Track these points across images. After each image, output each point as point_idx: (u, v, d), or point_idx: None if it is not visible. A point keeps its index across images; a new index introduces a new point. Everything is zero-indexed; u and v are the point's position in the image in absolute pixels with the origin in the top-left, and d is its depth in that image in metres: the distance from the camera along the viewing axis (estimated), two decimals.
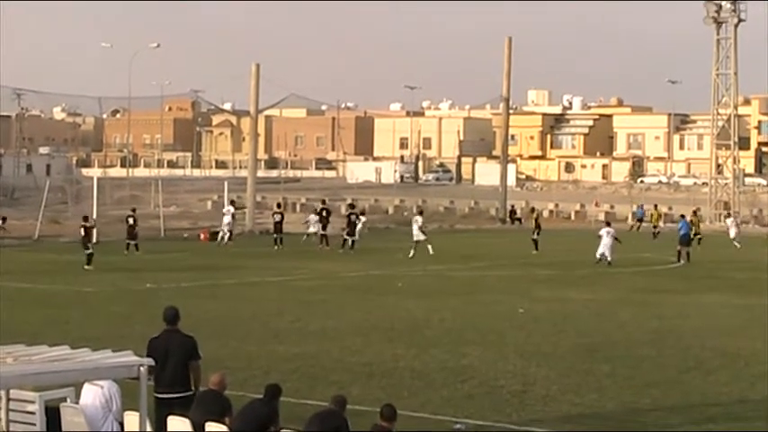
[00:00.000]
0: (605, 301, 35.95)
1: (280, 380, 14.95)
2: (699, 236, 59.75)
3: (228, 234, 59.13)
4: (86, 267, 43.50)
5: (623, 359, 24.87)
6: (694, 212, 66.90)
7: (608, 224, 52.55)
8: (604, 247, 49.28)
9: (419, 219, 53.45)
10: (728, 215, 74.68)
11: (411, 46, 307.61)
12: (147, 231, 59.37)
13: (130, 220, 52.60)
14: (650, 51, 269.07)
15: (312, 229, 59.81)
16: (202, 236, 61.94)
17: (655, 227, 65.40)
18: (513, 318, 31.64)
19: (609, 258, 48.98)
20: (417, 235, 52.17)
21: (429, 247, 51.66)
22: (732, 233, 63.30)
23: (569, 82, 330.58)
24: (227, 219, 59.71)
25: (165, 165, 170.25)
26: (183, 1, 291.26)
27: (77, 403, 15.18)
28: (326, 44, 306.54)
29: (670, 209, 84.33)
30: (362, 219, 60.73)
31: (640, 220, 77.88)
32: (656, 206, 71.75)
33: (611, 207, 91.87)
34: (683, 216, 58.20)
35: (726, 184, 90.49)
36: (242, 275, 42.54)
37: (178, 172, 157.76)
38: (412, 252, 51.20)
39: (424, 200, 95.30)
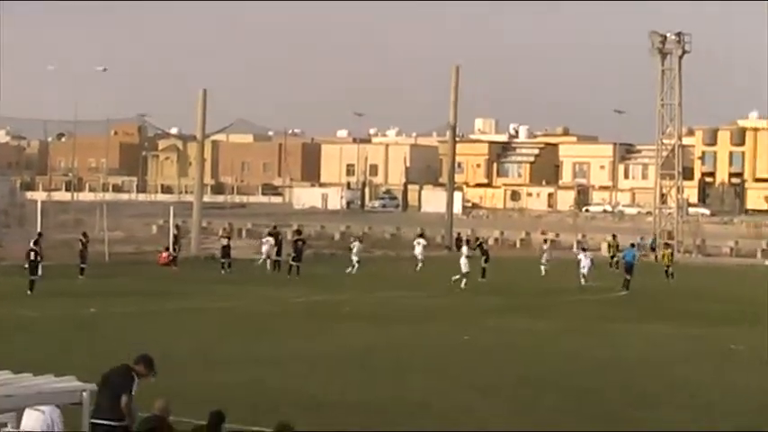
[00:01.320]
0: (550, 330, 36.00)
1: (222, 407, 14.80)
2: (669, 268, 59.42)
3: (268, 260, 58.76)
4: (29, 293, 43.05)
5: (568, 391, 24.88)
6: (666, 244, 66.57)
7: (584, 249, 56.97)
8: (585, 269, 52.54)
9: (465, 250, 53.64)
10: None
11: (358, 73, 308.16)
12: (92, 256, 58.76)
13: (80, 245, 52.51)
14: (596, 81, 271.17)
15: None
16: (164, 255, 60.82)
17: (612, 256, 65.35)
18: (458, 346, 31.60)
19: (583, 281, 52.00)
20: (465, 265, 52.01)
21: (464, 281, 51.42)
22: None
23: (516, 111, 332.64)
24: (265, 247, 59.70)
25: (111, 189, 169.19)
26: (132, 25, 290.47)
27: (18, 428, 14.97)
28: (274, 70, 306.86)
29: (614, 237, 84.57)
30: (357, 244, 60.91)
31: (653, 250, 77.95)
32: (614, 236, 71.57)
33: (557, 235, 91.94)
34: (632, 245, 58.46)
35: (669, 213, 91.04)
36: (188, 301, 42.23)
37: (123, 196, 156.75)
38: (464, 282, 50.97)
39: (370, 226, 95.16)
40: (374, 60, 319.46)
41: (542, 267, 59.82)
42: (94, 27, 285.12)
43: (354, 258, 58.64)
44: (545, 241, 68.50)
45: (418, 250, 63.94)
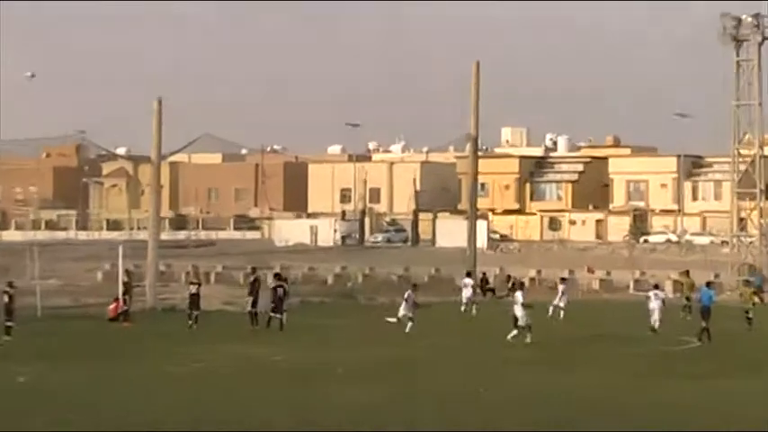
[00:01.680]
0: (588, 387, 36.31)
1: None
2: (748, 313, 59.20)
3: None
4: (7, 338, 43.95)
5: None
6: (747, 281, 66.32)
7: (656, 287, 58.91)
8: (654, 311, 54.59)
9: (519, 296, 52.18)
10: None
11: (352, 73, 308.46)
12: (21, 311, 58.87)
13: (6, 297, 52.68)
14: (652, 78, 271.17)
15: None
16: (112, 307, 61.02)
17: (687, 298, 64.88)
18: (476, 401, 32.04)
19: (655, 325, 54.08)
20: (523, 319, 51.05)
21: (519, 334, 51.17)
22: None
23: (553, 117, 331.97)
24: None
25: (43, 226, 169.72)
26: (66, 23, 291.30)
27: None
28: (246, 74, 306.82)
29: (687, 274, 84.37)
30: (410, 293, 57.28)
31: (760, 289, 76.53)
32: (687, 272, 71.12)
33: (608, 273, 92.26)
34: (708, 284, 57.83)
35: (751, 242, 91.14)
36: (141, 364, 42.42)
37: (60, 235, 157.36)
38: (516, 333, 50.46)
39: (372, 267, 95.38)
40: (372, 57, 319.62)
41: (559, 311, 61.81)
42: (22, 28, 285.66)
43: (401, 312, 55.17)
44: (562, 280, 68.69)
45: (467, 294, 66.23)
